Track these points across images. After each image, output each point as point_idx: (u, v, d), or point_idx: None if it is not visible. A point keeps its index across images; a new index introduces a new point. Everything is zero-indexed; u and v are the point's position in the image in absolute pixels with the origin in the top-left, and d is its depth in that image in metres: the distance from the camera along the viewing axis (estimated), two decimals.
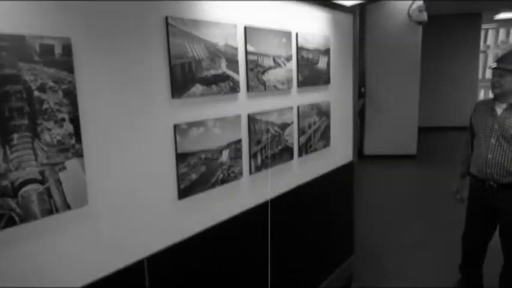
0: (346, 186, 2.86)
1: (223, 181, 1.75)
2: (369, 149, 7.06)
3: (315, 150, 2.42)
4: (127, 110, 1.34)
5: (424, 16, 6.31)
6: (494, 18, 9.75)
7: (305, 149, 2.33)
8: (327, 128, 2.52)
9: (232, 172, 1.80)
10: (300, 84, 2.24)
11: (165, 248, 1.52)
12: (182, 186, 1.56)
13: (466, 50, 9.45)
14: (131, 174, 1.37)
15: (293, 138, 2.21)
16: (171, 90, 1.49)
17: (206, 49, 1.61)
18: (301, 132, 2.27)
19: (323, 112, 2.47)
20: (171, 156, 1.51)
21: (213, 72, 1.64)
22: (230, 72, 1.74)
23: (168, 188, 1.52)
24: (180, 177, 1.54)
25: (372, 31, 6.79)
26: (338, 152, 2.69)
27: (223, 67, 1.69)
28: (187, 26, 1.52)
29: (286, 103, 2.15)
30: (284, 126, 2.12)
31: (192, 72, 1.56)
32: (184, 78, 1.53)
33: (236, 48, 1.76)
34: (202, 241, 1.68)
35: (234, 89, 1.77)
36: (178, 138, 1.52)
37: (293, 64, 2.17)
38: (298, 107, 2.24)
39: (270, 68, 1.98)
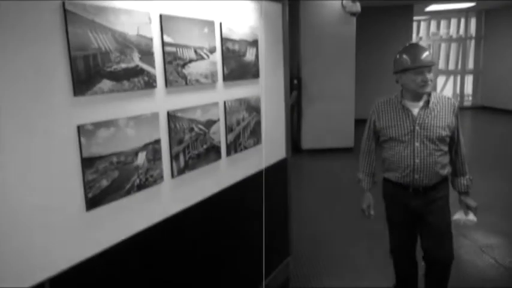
0: (280, 184, 2.91)
1: (141, 187, 1.68)
2: (306, 143, 7.27)
3: (245, 148, 2.42)
4: (19, 111, 1.22)
5: (358, 7, 6.61)
6: (425, 10, 10.52)
7: (234, 147, 2.31)
8: (258, 124, 2.53)
9: (151, 176, 1.73)
10: (226, 77, 2.22)
11: (71, 266, 1.41)
12: (90, 195, 1.46)
13: (399, 42, 10.03)
14: (27, 185, 1.25)
15: (220, 136, 2.19)
16: (73, 87, 1.38)
17: (114, 39, 1.52)
18: (229, 129, 2.26)
19: (253, 107, 2.48)
20: (75, 162, 1.41)
21: (123, 65, 1.56)
22: (144, 66, 1.66)
23: (73, 199, 1.42)
24: (87, 185, 1.44)
25: (306, 22, 6.96)
26: (270, 149, 2.72)
27: (135, 60, 1.61)
28: (90, 13, 1.43)
29: (211, 98, 2.12)
30: (209, 123, 2.09)
31: (98, 66, 1.46)
32: (88, 72, 1.43)
33: (151, 39, 1.69)
34: (116, 255, 1.59)
35: (150, 84, 1.70)
36: (83, 141, 1.42)
37: (217, 56, 2.14)
38: (224, 103, 2.22)
39: (191, 60, 1.93)
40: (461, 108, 11.77)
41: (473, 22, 12.00)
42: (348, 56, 7.08)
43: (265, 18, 2.57)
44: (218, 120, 2.16)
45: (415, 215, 2.30)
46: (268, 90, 2.65)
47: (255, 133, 2.52)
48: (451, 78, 12.69)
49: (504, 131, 8.66)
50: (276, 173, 2.80)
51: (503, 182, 5.32)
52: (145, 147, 1.68)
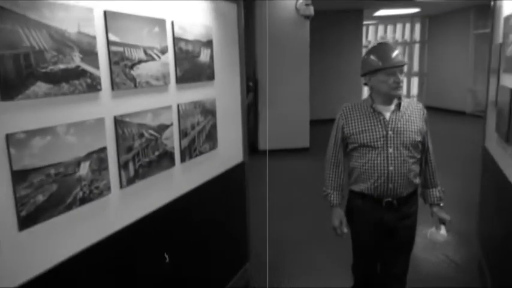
0: (238, 188, 2.80)
1: (84, 200, 1.50)
2: (263, 144, 7.23)
3: (201, 153, 2.29)
4: None
5: (311, 10, 6.66)
6: (374, 15, 10.85)
7: (189, 152, 2.18)
8: (213, 127, 2.41)
9: (96, 188, 1.56)
10: (180, 79, 2.08)
11: None
12: (24, 212, 1.28)
13: (351, 45, 10.33)
14: None
15: (173, 141, 2.04)
16: (0, 91, 1.20)
17: (50, 37, 1.34)
18: (183, 134, 2.12)
19: (208, 110, 2.35)
20: (4, 176, 1.22)
21: (61, 66, 1.39)
22: (87, 67, 1.49)
23: (3, 218, 1.23)
24: (19, 202, 1.26)
25: (262, 24, 6.93)
26: (227, 153, 2.61)
27: (76, 60, 1.44)
28: (21, 7, 1.24)
29: (164, 102, 1.97)
30: (162, 128, 1.94)
31: (30, 67, 1.28)
32: (19, 74, 1.24)
33: (94, 37, 1.52)
34: (55, 279, 1.41)
35: (94, 86, 1.53)
36: (13, 152, 1.23)
37: (170, 57, 2.00)
38: (178, 106, 2.08)
39: (140, 61, 1.78)
40: None
41: (417, 27, 12.55)
42: (302, 59, 7.13)
43: (220, 18, 2.45)
44: (171, 124, 2.02)
45: (385, 232, 2.07)
46: (224, 92, 2.54)
47: (211, 137, 2.40)
48: None
49: (449, 129, 9.11)
50: (233, 177, 2.70)
51: (454, 179, 5.51)
52: (88, 156, 1.51)
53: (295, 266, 3.28)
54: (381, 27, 13.31)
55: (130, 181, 1.75)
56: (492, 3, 3.20)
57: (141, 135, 1.81)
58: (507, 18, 2.53)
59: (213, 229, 2.49)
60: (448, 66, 11.30)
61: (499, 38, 2.80)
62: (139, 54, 1.77)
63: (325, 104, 10.20)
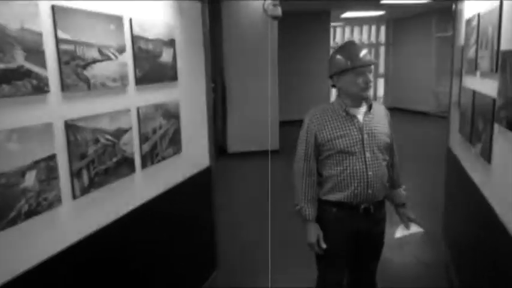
0: (204, 194, 2.70)
1: (30, 214, 1.37)
2: (232, 147, 7.14)
3: (164, 158, 2.18)
4: None
5: (279, 11, 6.62)
6: (341, 17, 10.99)
7: (150, 158, 2.06)
8: (177, 131, 2.31)
9: (45, 199, 1.42)
10: (140, 81, 1.96)
11: None
12: None
13: (319, 46, 10.40)
14: None
15: (133, 146, 1.92)
16: None
17: None
18: (143, 138, 2.00)
19: (171, 113, 2.24)
20: None
21: (1, 65, 1.25)
22: (32, 66, 1.36)
23: None
24: None
25: (229, 24, 6.84)
26: (192, 158, 2.51)
27: (18, 59, 1.31)
28: None
29: (122, 104, 1.85)
30: (120, 133, 1.82)
31: None
32: None
33: (40, 34, 1.39)
34: None
35: (41, 88, 1.40)
36: None
37: (128, 57, 1.88)
38: (138, 109, 1.96)
39: (95, 61, 1.66)
40: None
41: (383, 29, 12.82)
42: (271, 59, 7.07)
43: (183, 17, 2.35)
44: (130, 128, 1.90)
45: (360, 239, 1.97)
46: (188, 94, 2.44)
47: (175, 141, 2.29)
48: None
49: (414, 130, 9.34)
50: (199, 183, 2.60)
51: (419, 179, 5.61)
52: (35, 165, 1.38)
53: (265, 274, 3.21)
54: (347, 29, 13.53)
55: (85, 191, 1.62)
56: (454, 7, 3.26)
57: (97, 141, 1.68)
58: (468, 21, 2.57)
59: (177, 238, 2.38)
60: (412, 68, 11.60)
61: (461, 40, 2.85)
62: (93, 53, 1.65)
63: (294, 105, 10.22)
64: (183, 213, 2.43)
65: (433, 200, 4.30)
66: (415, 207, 4.48)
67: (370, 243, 2.02)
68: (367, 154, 1.88)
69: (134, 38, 1.91)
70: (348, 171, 1.88)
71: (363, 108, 1.94)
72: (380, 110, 2.02)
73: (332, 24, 11.20)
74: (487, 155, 1.97)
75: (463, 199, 2.66)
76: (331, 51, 10.70)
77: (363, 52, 1.88)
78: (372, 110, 1.95)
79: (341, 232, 1.94)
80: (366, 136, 1.89)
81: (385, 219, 2.06)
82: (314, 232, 1.95)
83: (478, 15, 2.25)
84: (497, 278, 1.80)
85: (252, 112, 7.10)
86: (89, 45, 1.62)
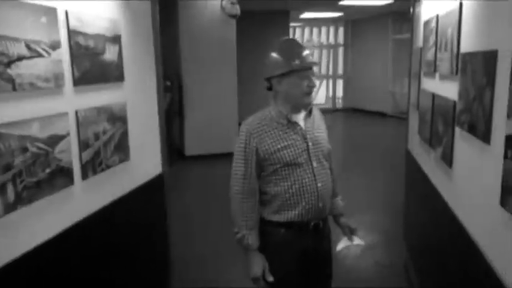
0: (156, 204, 2.52)
1: None
2: (190, 149, 6.93)
3: (108, 167, 1.98)
4: None
5: (237, 9, 6.50)
6: (300, 17, 11.04)
7: (92, 167, 1.86)
8: (124, 136, 2.11)
9: None
10: (78, 81, 1.76)
11: None
12: None
13: None
14: None
15: (71, 155, 1.72)
16: None
17: None
18: (83, 146, 1.80)
19: (117, 117, 2.05)
20: None
21: None
22: None
23: None
24: None
25: (186, 22, 6.63)
26: (142, 165, 2.32)
27: None
28: None
29: (56, 108, 1.64)
30: (54, 140, 1.61)
31: None
32: None
33: None
34: None
35: None
36: None
37: (64, 53, 1.67)
38: (76, 113, 1.76)
39: (21, 57, 1.44)
40: (334, 111, 12.71)
41: (341, 31, 13.03)
42: (229, 59, 6.94)
43: (130, 13, 2.16)
44: (68, 135, 1.69)
45: (310, 259, 1.76)
46: (136, 95, 2.25)
47: (122, 147, 2.09)
48: (324, 83, 13.62)
49: (372, 130, 9.53)
50: (150, 192, 2.41)
51: (378, 181, 5.67)
52: None
53: (225, 285, 3.07)
54: (307, 30, 13.64)
55: (10, 208, 1.41)
56: (412, 8, 3.27)
57: (25, 150, 1.47)
58: (427, 22, 2.55)
59: (125, 254, 2.18)
60: (370, 69, 11.86)
61: (419, 42, 2.84)
62: (19, 49, 1.43)
63: (254, 105, 10.10)
64: (132, 226, 2.24)
65: (394, 202, 4.33)
66: (374, 208, 4.54)
67: (320, 262, 1.82)
68: (314, 164, 1.69)
69: (71, 33, 1.70)
70: (297, 186, 1.66)
71: (303, 114, 1.74)
72: (317, 114, 1.84)
73: (291, 24, 11.22)
74: (448, 159, 1.93)
75: (424, 202, 2.65)
76: None
77: (306, 52, 1.69)
78: (311, 115, 1.77)
79: (291, 255, 1.71)
80: (310, 144, 1.70)
81: (330, 233, 1.88)
82: (259, 264, 1.69)
83: (437, 16, 2.23)
84: (461, 282, 1.77)
85: (210, 113, 6.92)
86: (13, 39, 1.40)
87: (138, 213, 2.29)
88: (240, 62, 7.45)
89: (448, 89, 1.99)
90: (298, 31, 13.51)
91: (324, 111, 2.57)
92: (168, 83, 6.61)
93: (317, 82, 1.58)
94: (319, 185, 1.69)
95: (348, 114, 12.35)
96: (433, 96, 2.31)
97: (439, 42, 2.16)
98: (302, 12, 10.09)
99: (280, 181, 1.68)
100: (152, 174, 2.43)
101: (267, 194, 1.71)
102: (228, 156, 7.14)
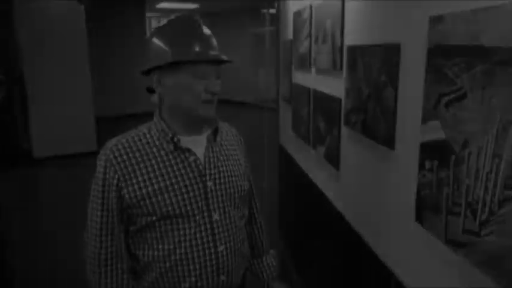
0: None
1: None
2: (40, 151, 5.83)
3: None
4: None
5: None
6: (157, 7, 10.28)
7: None
8: None
9: None
10: None
11: None
12: None
13: (133, 37, 9.44)
14: None
15: None
16: None
17: None
18: None
19: None
20: None
21: None
22: None
23: None
24: None
25: (23, 9, 5.48)
26: None
27: None
28: None
29: None
30: None
31: None
32: None
33: None
34: None
35: None
36: None
37: None
38: None
39: None
40: None
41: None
42: (79, 51, 6.00)
43: None
44: None
45: None
46: None
47: None
48: None
49: (234, 118, 9.48)
50: None
51: (254, 172, 5.52)
52: None
53: None
54: (164, 21, 12.93)
55: None
56: (277, 3, 3.09)
57: None
58: (297, 13, 2.36)
59: None
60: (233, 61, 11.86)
61: (289, 34, 2.66)
62: None
63: (114, 99, 9.14)
64: None
65: (268, 199, 4.19)
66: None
67: None
68: (215, 216, 1.08)
69: None
70: (182, 251, 1.04)
71: (204, 136, 1.12)
72: (231, 136, 1.24)
73: (148, 14, 10.41)
74: (334, 161, 1.76)
75: (303, 198, 2.51)
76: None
77: (209, 39, 1.06)
78: (218, 139, 1.15)
79: None
80: (210, 184, 1.08)
81: None
82: None
83: (310, 6, 2.04)
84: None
85: (61, 108, 5.95)
86: None
87: None
88: (94, 54, 6.53)
89: (330, 85, 1.82)
90: (154, 22, 12.69)
91: None
92: (1, 76, 5.40)
93: None
94: (220, 248, 1.07)
95: (223, 105, 12.18)
96: (310, 91, 2.13)
97: (315, 35, 1.97)
98: (159, 2, 9.40)
99: (157, 242, 1.04)
100: None
101: (138, 261, 1.08)
102: (85, 155, 6.08)
